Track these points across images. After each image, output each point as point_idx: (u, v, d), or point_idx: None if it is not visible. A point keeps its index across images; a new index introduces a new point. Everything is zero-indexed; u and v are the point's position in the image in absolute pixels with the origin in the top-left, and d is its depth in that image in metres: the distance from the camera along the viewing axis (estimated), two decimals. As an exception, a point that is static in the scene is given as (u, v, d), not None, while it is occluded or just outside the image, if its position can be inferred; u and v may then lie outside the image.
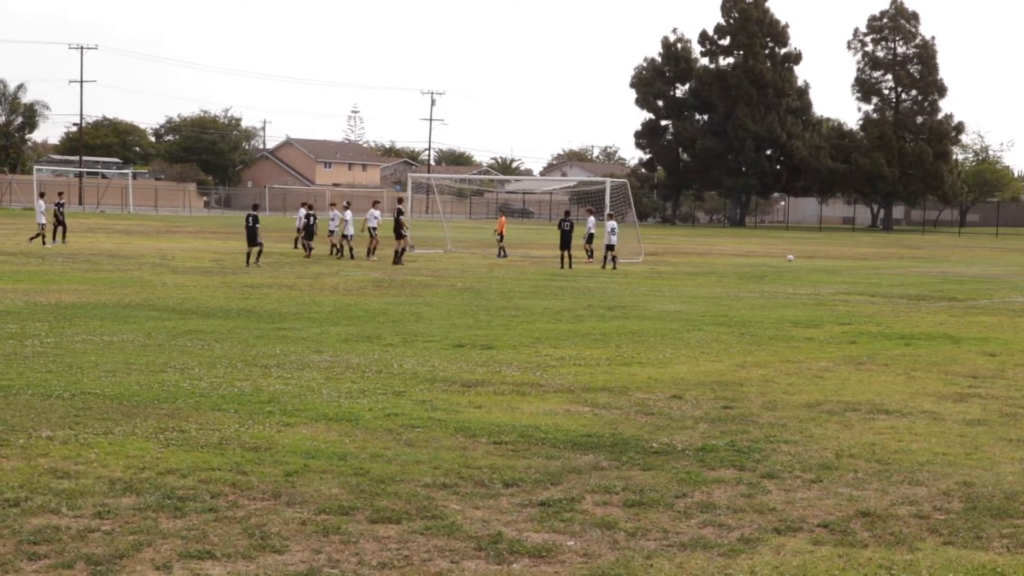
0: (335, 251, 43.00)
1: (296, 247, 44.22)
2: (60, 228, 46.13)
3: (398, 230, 40.55)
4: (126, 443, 10.12)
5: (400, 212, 41.66)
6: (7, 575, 6.74)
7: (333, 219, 44.85)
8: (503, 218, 49.30)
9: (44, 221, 45.59)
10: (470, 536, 7.71)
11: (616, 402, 12.84)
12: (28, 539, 7.37)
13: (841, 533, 7.95)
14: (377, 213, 44.08)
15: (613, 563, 7.23)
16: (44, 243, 44.27)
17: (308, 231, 43.58)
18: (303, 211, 44.96)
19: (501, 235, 46.45)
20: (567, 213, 42.55)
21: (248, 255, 36.33)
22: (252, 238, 36.35)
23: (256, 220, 36.65)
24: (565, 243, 39.90)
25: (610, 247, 40.40)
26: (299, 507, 8.27)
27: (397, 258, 39.34)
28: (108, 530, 7.63)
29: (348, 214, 43.47)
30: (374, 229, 42.56)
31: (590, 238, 44.36)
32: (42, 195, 47.56)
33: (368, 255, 41.27)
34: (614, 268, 39.92)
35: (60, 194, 51.07)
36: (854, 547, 7.65)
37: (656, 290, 30.17)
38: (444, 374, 14.49)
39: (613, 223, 41.02)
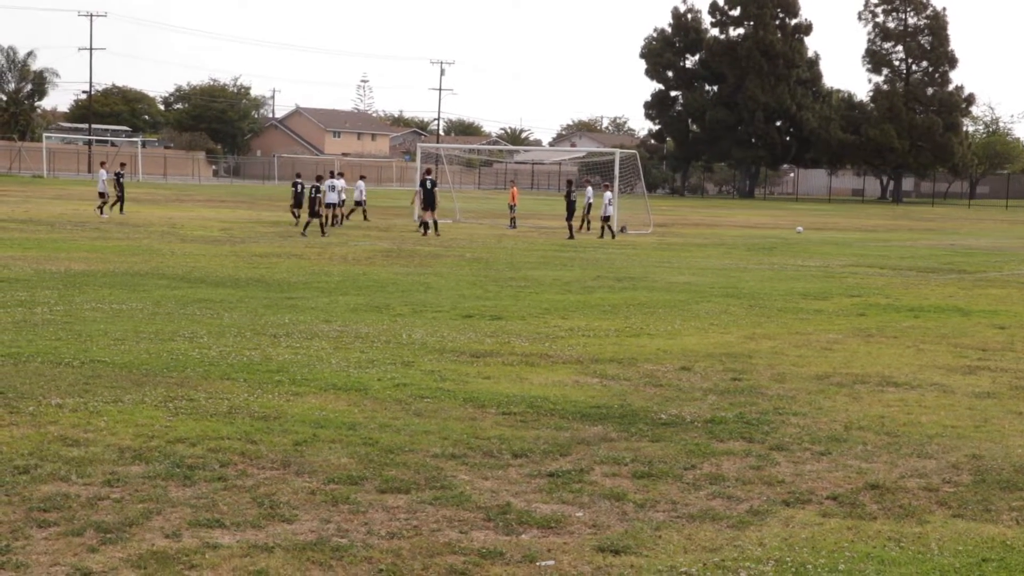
0: (364, 216, 44.29)
1: (341, 223, 43.77)
2: (116, 199, 45.49)
3: (432, 201, 39.53)
4: (135, 411, 10.13)
5: (434, 183, 40.04)
6: (17, 542, 6.75)
7: (359, 189, 46.74)
8: (515, 188, 49.23)
9: (105, 190, 45.24)
10: (479, 506, 7.71)
11: (625, 373, 12.83)
12: (38, 506, 7.39)
13: (850, 505, 7.95)
14: (362, 185, 45.64)
15: (622, 534, 7.23)
16: (101, 213, 43.72)
17: (297, 199, 43.67)
18: (317, 182, 45.07)
19: (512, 206, 46.45)
20: (570, 184, 42.66)
21: (307, 224, 36.96)
22: (311, 208, 36.91)
23: (316, 190, 37.14)
24: (571, 214, 40.43)
25: (606, 218, 40.63)
26: (308, 476, 8.28)
27: (435, 229, 39.05)
28: (118, 498, 7.64)
29: (340, 182, 43.68)
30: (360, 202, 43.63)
31: (588, 208, 44.29)
32: (103, 164, 47.28)
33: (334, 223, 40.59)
34: (612, 238, 40.06)
35: (123, 164, 49.82)
36: (863, 519, 7.65)
37: (665, 261, 30.13)
38: (453, 344, 14.49)
39: (610, 193, 41.23)
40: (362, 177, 50.83)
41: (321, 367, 12.57)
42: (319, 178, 38.75)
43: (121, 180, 46.12)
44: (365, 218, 46.17)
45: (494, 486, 8.21)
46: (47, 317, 15.81)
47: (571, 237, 39.57)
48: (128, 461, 8.53)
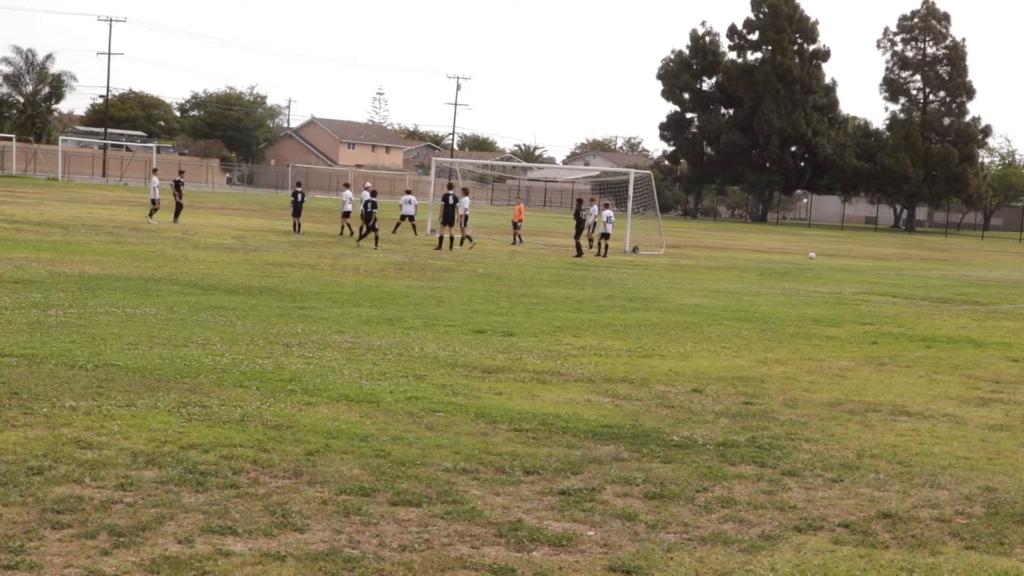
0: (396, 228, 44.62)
1: (341, 233, 43.94)
2: (175, 206, 44.50)
3: (451, 216, 39.77)
4: (148, 416, 10.15)
5: (456, 199, 40.17)
6: (31, 543, 6.77)
7: (409, 203, 47.03)
8: (520, 204, 49.39)
9: (158, 197, 44.50)
10: (490, 522, 7.71)
11: (637, 394, 12.82)
12: (52, 508, 7.41)
13: (862, 534, 7.93)
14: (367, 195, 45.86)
15: (633, 554, 7.22)
16: (151, 218, 43.18)
17: (296, 208, 44.10)
18: (348, 193, 45.92)
19: (516, 223, 46.60)
20: (580, 202, 42.83)
21: (363, 235, 38.42)
22: (366, 219, 38.09)
23: (374, 204, 38.18)
24: (579, 232, 40.78)
25: (605, 235, 41.07)
26: (320, 486, 8.29)
27: (452, 244, 39.31)
28: (131, 502, 7.65)
29: (347, 193, 45.05)
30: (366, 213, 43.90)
31: (592, 227, 44.30)
32: (155, 171, 46.86)
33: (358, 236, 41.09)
34: (604, 256, 40.67)
35: (181, 172, 48.16)
36: (875, 548, 7.63)
37: (677, 283, 30.12)
38: (465, 359, 14.49)
39: (609, 212, 41.81)
40: (408, 192, 50.33)
41: (333, 378, 12.58)
42: (374, 192, 39.67)
43: (180, 188, 45.10)
44: (415, 232, 46.51)
45: (506, 502, 8.20)
46: (61, 319, 15.85)
47: (579, 255, 39.70)
48: (141, 465, 8.54)
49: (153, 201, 44.69)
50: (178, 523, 7.29)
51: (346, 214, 44.12)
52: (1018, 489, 9.36)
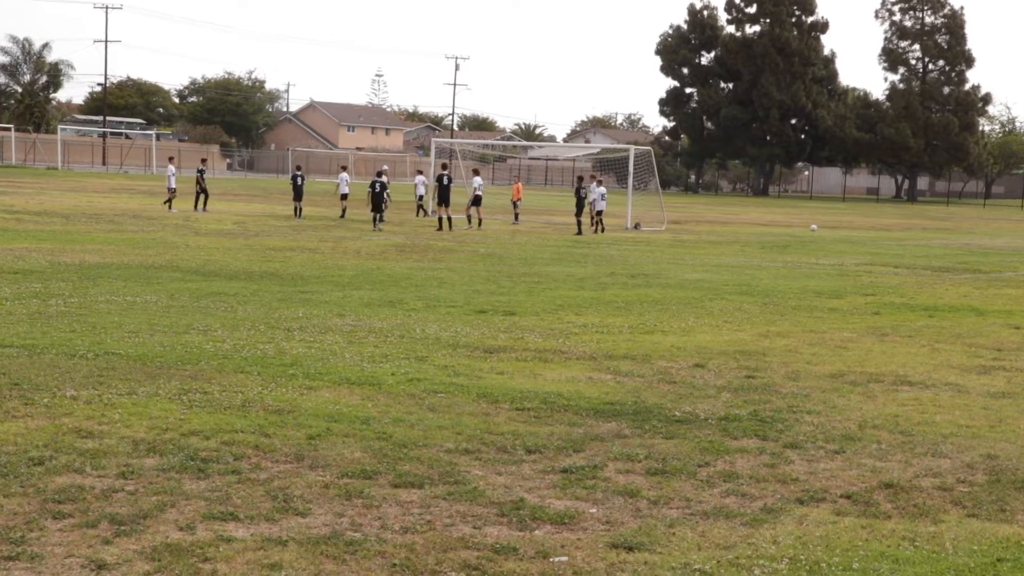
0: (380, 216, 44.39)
1: (343, 215, 43.96)
2: (202, 195, 44.11)
3: (447, 197, 40.22)
4: (149, 404, 10.15)
5: (451, 179, 40.73)
6: (32, 533, 6.77)
7: (421, 183, 48.14)
8: (518, 183, 49.45)
9: (175, 186, 44.06)
10: (492, 502, 7.71)
11: (639, 370, 12.81)
12: (53, 498, 7.41)
13: (864, 504, 7.93)
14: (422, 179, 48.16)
15: (635, 531, 7.22)
16: (170, 208, 43.07)
17: (297, 192, 44.29)
18: (344, 175, 46.29)
19: (515, 202, 46.67)
20: (580, 180, 42.83)
21: (374, 219, 38.83)
22: (376, 204, 38.82)
23: (383, 186, 39.24)
24: (580, 209, 40.81)
25: (599, 212, 41.06)
26: (322, 470, 8.29)
27: (450, 224, 39.40)
28: (132, 490, 7.66)
29: (344, 176, 45.71)
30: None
31: (593, 203, 44.18)
32: (171, 159, 46.70)
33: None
34: (601, 232, 40.82)
35: (203, 160, 47.79)
36: (877, 518, 7.63)
37: (679, 258, 30.10)
38: (466, 340, 14.48)
39: (603, 189, 42.01)
40: (419, 172, 50.81)
41: (335, 361, 12.57)
42: (379, 173, 40.72)
43: (202, 176, 44.59)
44: (424, 213, 46.92)
45: (507, 482, 8.20)
46: (61, 309, 15.85)
47: (579, 233, 39.70)
48: (142, 453, 8.54)
49: (170, 190, 44.10)
50: (179, 510, 7.29)
51: (344, 196, 44.64)
52: (1020, 456, 9.36)
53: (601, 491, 8.05)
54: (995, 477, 8.71)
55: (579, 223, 40.59)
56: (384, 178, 40.55)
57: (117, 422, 9.43)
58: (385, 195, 39.38)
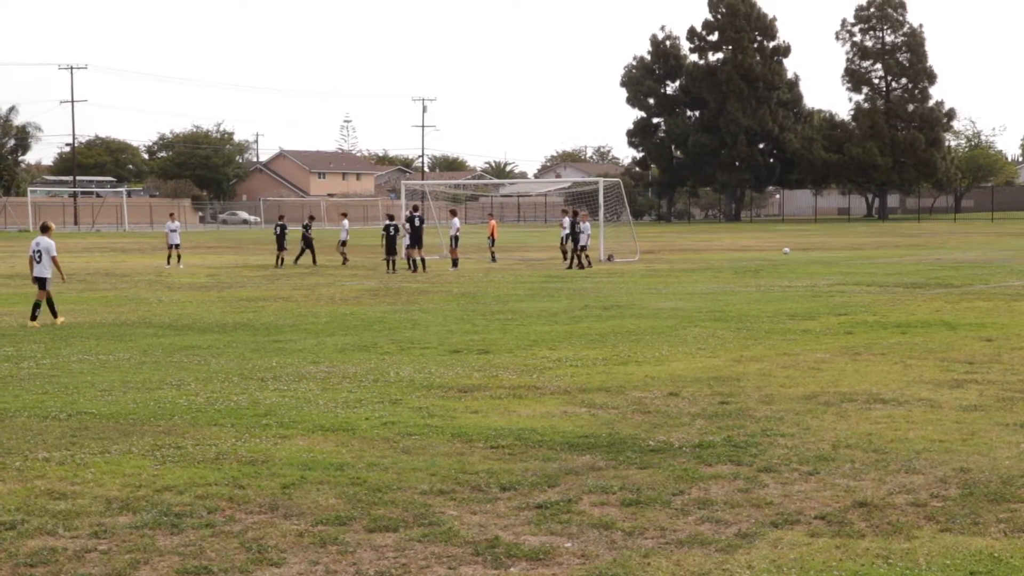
0: (344, 260, 44.64)
1: (345, 262, 43.90)
2: (308, 251, 44.40)
3: (419, 238, 40.37)
4: (122, 461, 10.11)
5: (422, 220, 40.87)
6: (3, 598, 6.73)
7: (345, 229, 47.37)
8: (493, 221, 49.38)
9: (178, 242, 44.13)
10: (467, 541, 7.70)
11: (613, 402, 12.84)
12: (25, 562, 7.36)
13: (838, 524, 7.95)
14: (347, 224, 47.83)
15: (611, 563, 7.22)
16: (168, 263, 43.29)
17: (279, 241, 44.37)
18: (345, 223, 47.41)
19: (492, 239, 46.58)
20: (576, 213, 42.70)
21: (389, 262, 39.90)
22: (390, 247, 40.01)
23: (396, 229, 40.55)
24: (576, 243, 40.98)
25: (582, 248, 40.83)
26: (296, 519, 8.27)
27: (423, 266, 39.56)
28: (105, 550, 7.62)
29: (345, 223, 47.14)
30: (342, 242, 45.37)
31: (565, 239, 44.07)
32: (172, 215, 46.83)
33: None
34: (581, 267, 40.25)
35: (311, 217, 48.41)
36: (851, 538, 7.65)
37: (652, 288, 30.17)
38: (441, 380, 14.48)
39: (586, 224, 41.32)
40: (344, 214, 51.18)
41: (309, 409, 12.55)
42: (391, 217, 42.33)
43: (307, 232, 45.13)
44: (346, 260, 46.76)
45: (482, 520, 8.20)
46: (34, 371, 15.78)
47: (581, 267, 39.86)
48: (115, 512, 8.50)
49: (171, 246, 43.99)
50: (153, 567, 7.26)
51: (343, 243, 45.23)
52: (992, 468, 9.41)
53: (576, 525, 8.05)
54: (968, 491, 8.75)
55: (577, 257, 40.45)
56: (396, 221, 41.28)
57: (90, 481, 9.39)
58: (399, 237, 40.25)
